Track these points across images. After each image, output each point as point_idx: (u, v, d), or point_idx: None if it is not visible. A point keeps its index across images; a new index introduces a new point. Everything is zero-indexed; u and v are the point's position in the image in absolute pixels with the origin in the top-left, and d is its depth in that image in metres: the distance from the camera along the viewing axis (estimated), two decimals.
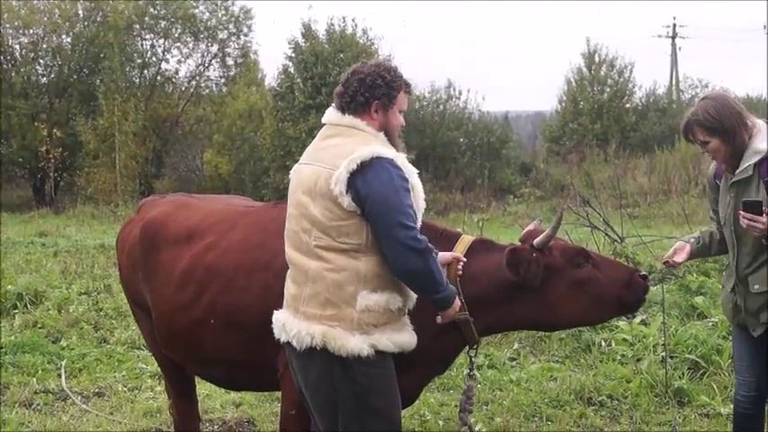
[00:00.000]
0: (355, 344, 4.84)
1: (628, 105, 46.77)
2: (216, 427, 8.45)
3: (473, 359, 5.81)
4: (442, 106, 44.55)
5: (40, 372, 10.07)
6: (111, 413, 7.57)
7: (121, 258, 6.95)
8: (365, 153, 4.80)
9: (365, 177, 4.78)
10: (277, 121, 37.28)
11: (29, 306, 13.08)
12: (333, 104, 5.22)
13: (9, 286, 13.71)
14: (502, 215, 28.27)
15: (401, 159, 4.96)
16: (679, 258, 6.30)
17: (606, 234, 13.61)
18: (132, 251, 6.67)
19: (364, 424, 4.95)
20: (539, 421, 8.47)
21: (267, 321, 5.27)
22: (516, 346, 10.88)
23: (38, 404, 9.00)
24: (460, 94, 44.87)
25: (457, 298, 5.12)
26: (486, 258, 5.59)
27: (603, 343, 10.56)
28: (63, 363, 10.30)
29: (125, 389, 9.33)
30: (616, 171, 30.03)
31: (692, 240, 6.35)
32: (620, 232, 13.82)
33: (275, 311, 5.21)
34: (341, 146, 4.94)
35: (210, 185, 37.10)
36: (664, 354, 9.35)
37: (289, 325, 5.00)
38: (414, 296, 5.10)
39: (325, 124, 5.20)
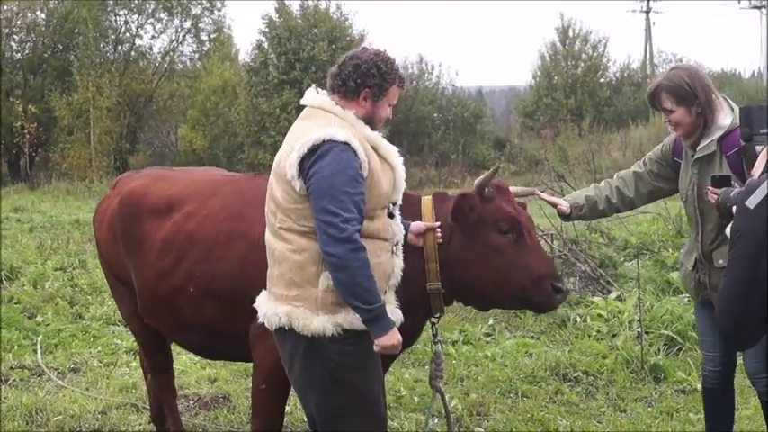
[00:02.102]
0: (319, 323, 4.82)
1: (602, 80, 46.81)
2: (191, 402, 8.44)
3: (437, 327, 5.82)
4: (414, 81, 44.46)
5: (15, 347, 10.05)
6: (87, 389, 7.57)
7: (100, 233, 6.93)
8: (317, 136, 4.74)
9: (314, 160, 4.73)
10: (251, 96, 37.16)
11: (4, 281, 13.09)
12: (313, 85, 5.19)
13: None
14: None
15: (358, 142, 4.84)
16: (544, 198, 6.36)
17: None
18: (112, 224, 6.66)
19: (341, 400, 4.95)
20: (514, 397, 8.50)
21: (243, 291, 5.33)
22: (491, 321, 10.91)
23: (14, 380, 8.99)
24: (433, 68, 44.90)
25: (395, 331, 4.85)
26: (444, 212, 5.61)
27: (579, 319, 10.63)
28: (39, 338, 10.28)
29: (100, 364, 9.32)
30: (590, 146, 29.96)
31: (569, 198, 6.42)
32: None
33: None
34: (306, 128, 4.91)
35: (185, 161, 36.98)
36: (639, 329, 9.41)
37: (262, 305, 5.05)
38: (388, 273, 5.08)
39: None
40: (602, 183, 6.48)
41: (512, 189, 5.83)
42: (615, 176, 6.49)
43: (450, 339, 10.16)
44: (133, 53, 43.23)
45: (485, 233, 5.48)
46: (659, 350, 9.29)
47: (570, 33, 47.25)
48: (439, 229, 5.50)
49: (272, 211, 4.95)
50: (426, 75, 44.77)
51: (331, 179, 4.69)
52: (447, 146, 41.17)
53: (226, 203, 6.04)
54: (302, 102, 5.15)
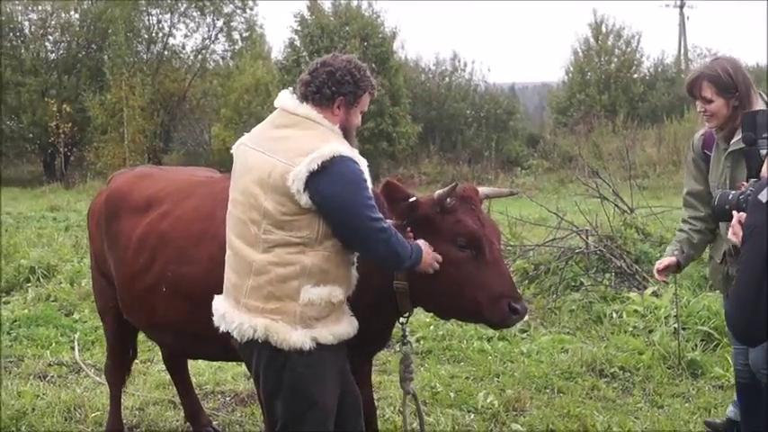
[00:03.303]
0: (297, 338, 4.87)
1: (636, 76, 46.53)
2: (227, 398, 8.50)
3: (405, 327, 5.79)
4: (447, 78, 44.51)
5: (53, 344, 10.15)
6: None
7: (91, 227, 7.03)
8: (326, 152, 4.74)
9: (329, 177, 4.73)
10: None
11: (41, 279, 13.18)
12: (290, 89, 5.17)
13: (22, 260, 13.82)
14: (509, 187, 28.23)
15: (357, 155, 4.95)
16: (664, 269, 6.38)
17: (616, 205, 13.59)
18: (99, 220, 6.77)
19: (300, 411, 5.00)
20: (550, 393, 8.48)
21: (212, 291, 5.30)
22: (526, 317, 10.86)
23: (52, 376, 9.07)
24: (465, 65, 44.85)
25: (426, 249, 5.19)
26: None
27: (615, 315, 10.58)
28: (76, 335, 10.36)
29: (137, 361, 9.33)
30: (624, 142, 29.86)
31: (677, 252, 6.41)
32: (629, 203, 13.80)
33: (215, 297, 5.24)
34: (297, 139, 4.89)
35: (218, 159, 37.03)
36: (676, 325, 9.35)
37: (229, 316, 5.01)
38: (352, 285, 5.15)
39: (276, 108, 5.16)
40: (677, 235, 6.62)
41: (482, 191, 5.74)
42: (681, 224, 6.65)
43: (485, 336, 10.14)
44: (166, 52, 43.47)
45: (443, 245, 5.35)
46: (696, 346, 9.23)
47: (603, 29, 47.00)
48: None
49: (255, 221, 4.89)
50: (459, 71, 44.81)
51: (360, 190, 4.82)
52: (480, 143, 41.11)
53: (198, 205, 6.05)
54: (282, 106, 5.10)
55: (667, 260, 6.43)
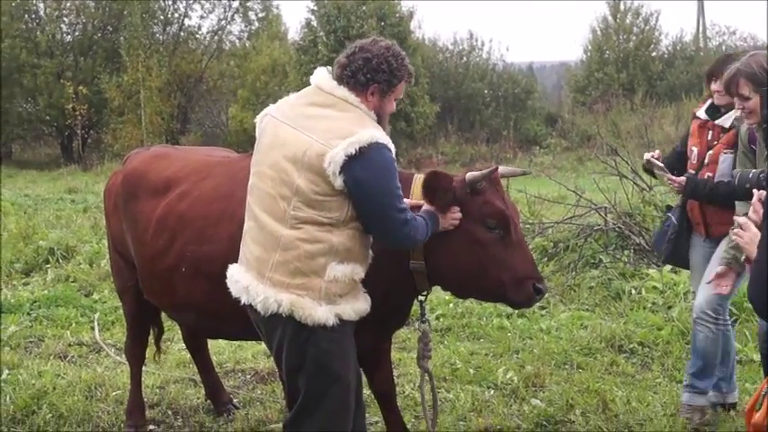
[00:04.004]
0: (322, 314, 4.90)
1: (654, 54, 46.22)
2: (248, 376, 8.53)
3: (424, 305, 5.83)
4: (465, 57, 44.34)
5: (73, 324, 10.21)
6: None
7: (108, 208, 7.04)
8: (364, 138, 4.77)
9: (364, 163, 4.77)
10: (301, 75, 37.02)
11: (60, 261, 13.25)
12: (327, 68, 5.17)
13: (41, 242, 13.91)
14: (528, 166, 28.11)
15: (390, 141, 4.97)
16: (724, 286, 6.44)
17: (634, 183, 13.54)
18: (117, 201, 6.78)
19: (323, 386, 5.03)
20: (570, 369, 8.49)
21: None
22: (545, 295, 10.88)
23: (72, 356, 9.12)
24: (483, 45, 44.72)
25: (445, 215, 5.30)
26: None
27: (634, 291, 10.59)
28: (96, 315, 10.42)
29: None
30: (643, 120, 29.76)
31: (723, 262, 6.46)
32: (648, 181, 13.76)
33: (232, 267, 5.25)
34: (335, 120, 4.92)
35: (236, 140, 37.11)
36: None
37: (254, 289, 5.01)
38: (369, 263, 5.19)
39: (311, 84, 5.16)
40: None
41: (500, 170, 5.70)
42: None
43: (504, 313, 10.15)
44: (182, 33, 43.43)
45: (471, 225, 5.40)
46: None
47: (621, 7, 46.67)
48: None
49: (285, 197, 4.90)
50: (477, 51, 44.61)
51: (392, 180, 4.89)
52: (498, 122, 40.99)
53: (217, 185, 6.06)
54: (319, 85, 5.10)
55: (723, 272, 6.50)
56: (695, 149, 7.06)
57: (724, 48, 46.15)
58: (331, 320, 4.93)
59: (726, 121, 6.85)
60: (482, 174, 5.40)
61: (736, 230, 4.80)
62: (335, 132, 4.82)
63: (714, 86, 6.91)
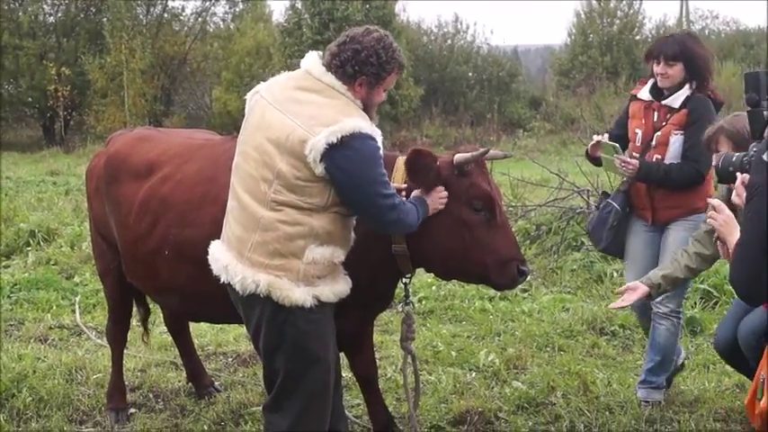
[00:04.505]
0: (300, 295, 4.94)
1: (638, 38, 46.20)
2: (230, 359, 8.53)
3: (408, 288, 5.86)
4: (449, 40, 44.27)
5: (54, 308, 10.18)
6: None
7: (90, 190, 7.01)
8: (347, 127, 4.78)
9: (346, 152, 4.78)
10: (285, 57, 36.98)
11: (42, 243, 13.22)
12: (318, 53, 5.18)
13: (22, 224, 13.89)
14: (512, 149, 28.18)
15: (376, 130, 4.99)
16: (631, 298, 6.08)
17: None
18: (99, 183, 6.75)
19: (302, 367, 5.07)
20: (551, 351, 8.53)
21: None
22: (528, 277, 10.91)
23: (53, 339, 9.10)
24: (468, 27, 44.66)
25: (430, 197, 5.32)
26: None
27: (615, 274, 10.63)
28: (77, 299, 10.39)
29: (139, 323, 9.37)
30: (626, 104, 29.78)
31: (645, 281, 6.15)
32: None
33: (213, 244, 5.28)
34: (320, 107, 4.93)
35: (220, 122, 36.99)
36: None
37: (232, 269, 5.03)
38: (350, 246, 5.22)
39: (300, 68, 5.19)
40: (678, 252, 6.31)
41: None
42: (690, 241, 6.35)
43: (486, 295, 10.18)
44: (165, 15, 43.14)
45: (457, 207, 5.43)
46: (696, 304, 9.31)
47: None
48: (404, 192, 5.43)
49: (267, 180, 4.92)
50: (461, 34, 44.51)
51: (376, 168, 4.90)
52: (482, 105, 40.91)
53: (199, 168, 6.05)
54: (308, 69, 5.11)
55: (633, 286, 6.18)
56: (639, 131, 7.02)
57: (707, 32, 46.27)
58: (309, 302, 4.95)
59: (674, 101, 6.84)
60: (472, 155, 5.41)
61: (710, 212, 4.85)
62: (319, 119, 4.83)
63: (657, 68, 6.90)
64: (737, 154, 4.93)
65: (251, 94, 5.30)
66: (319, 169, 4.79)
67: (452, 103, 41.44)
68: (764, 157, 4.24)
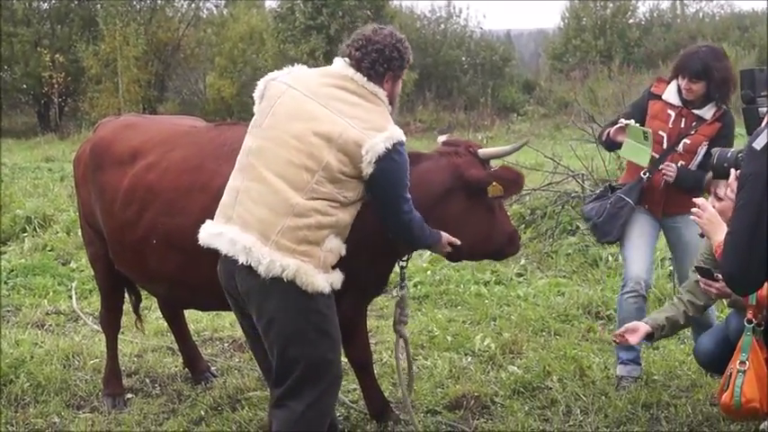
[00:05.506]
0: (321, 281, 5.06)
1: (631, 21, 46.19)
2: (226, 345, 8.56)
3: (404, 272, 6.10)
4: (442, 25, 44.27)
5: (51, 293, 10.22)
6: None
7: (77, 177, 7.01)
8: (395, 135, 5.09)
9: (394, 157, 5.07)
10: (278, 42, 37.00)
11: (38, 229, 13.22)
12: (351, 61, 5.31)
13: (18, 210, 13.85)
14: (506, 133, 28.28)
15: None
16: (633, 339, 6.18)
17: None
18: (85, 171, 6.76)
19: (326, 351, 5.18)
20: (547, 336, 8.55)
21: None
22: (523, 261, 10.96)
23: (50, 325, 9.13)
24: (461, 12, 44.63)
25: (442, 236, 5.70)
26: (418, 169, 5.71)
27: (611, 258, 10.64)
28: (73, 284, 10.42)
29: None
30: (620, 87, 29.74)
31: (650, 321, 6.23)
32: None
33: (210, 225, 5.25)
34: (368, 112, 5.17)
35: (213, 108, 36.90)
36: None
37: (257, 251, 4.98)
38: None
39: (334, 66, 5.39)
40: (675, 299, 6.44)
41: (482, 152, 6.22)
42: (683, 291, 6.44)
43: (482, 280, 10.21)
44: (159, 1, 43.04)
45: (485, 196, 5.96)
46: None
47: None
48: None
49: (309, 169, 5.01)
50: (454, 18, 44.52)
51: (406, 177, 5.24)
52: (476, 89, 40.89)
53: (185, 156, 6.08)
54: (351, 75, 5.27)
55: (633, 327, 6.23)
56: (664, 134, 7.13)
57: (701, 14, 46.23)
58: (327, 288, 5.09)
59: (706, 113, 7.07)
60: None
61: (695, 210, 4.95)
62: (370, 124, 5.09)
63: (682, 83, 7.10)
64: (732, 150, 5.00)
65: (266, 80, 5.44)
66: (370, 170, 5.03)
67: (446, 87, 41.45)
68: (755, 145, 4.28)
